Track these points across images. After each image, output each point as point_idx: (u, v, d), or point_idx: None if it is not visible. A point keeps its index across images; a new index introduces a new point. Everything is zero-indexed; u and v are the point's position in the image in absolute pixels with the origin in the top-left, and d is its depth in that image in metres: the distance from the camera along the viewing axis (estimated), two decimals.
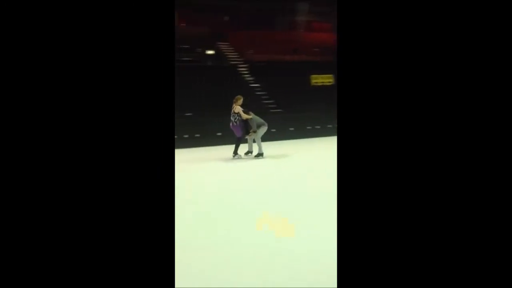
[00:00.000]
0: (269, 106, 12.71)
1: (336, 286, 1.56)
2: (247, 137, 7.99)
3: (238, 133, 7.83)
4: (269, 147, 8.40)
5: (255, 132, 7.78)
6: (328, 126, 11.81)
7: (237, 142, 7.96)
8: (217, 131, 10.58)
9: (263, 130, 7.89)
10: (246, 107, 8.02)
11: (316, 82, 14.96)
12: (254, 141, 8.05)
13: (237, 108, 7.77)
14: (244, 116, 7.78)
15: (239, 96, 7.95)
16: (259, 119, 7.98)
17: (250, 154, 8.10)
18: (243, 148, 8.12)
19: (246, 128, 7.87)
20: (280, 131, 11.04)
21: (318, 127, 12.23)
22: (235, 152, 7.96)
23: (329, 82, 14.85)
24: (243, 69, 14.33)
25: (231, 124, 7.85)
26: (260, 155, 7.85)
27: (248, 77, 13.97)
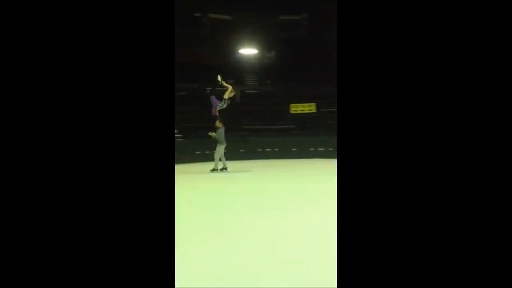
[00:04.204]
0: None
1: (336, 286, 1.56)
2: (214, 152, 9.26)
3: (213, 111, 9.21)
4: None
5: (213, 134, 9.03)
6: None
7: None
8: None
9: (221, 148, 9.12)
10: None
11: (296, 110, 15.42)
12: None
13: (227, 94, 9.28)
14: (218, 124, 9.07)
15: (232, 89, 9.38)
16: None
17: (225, 170, 9.18)
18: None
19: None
20: None
21: None
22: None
23: (310, 110, 15.27)
24: None
25: (216, 101, 9.22)
26: (215, 170, 9.09)
27: None
